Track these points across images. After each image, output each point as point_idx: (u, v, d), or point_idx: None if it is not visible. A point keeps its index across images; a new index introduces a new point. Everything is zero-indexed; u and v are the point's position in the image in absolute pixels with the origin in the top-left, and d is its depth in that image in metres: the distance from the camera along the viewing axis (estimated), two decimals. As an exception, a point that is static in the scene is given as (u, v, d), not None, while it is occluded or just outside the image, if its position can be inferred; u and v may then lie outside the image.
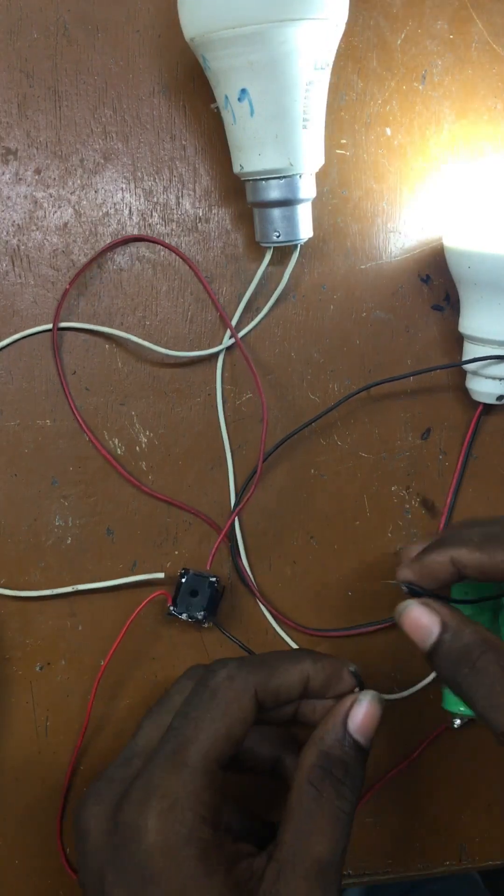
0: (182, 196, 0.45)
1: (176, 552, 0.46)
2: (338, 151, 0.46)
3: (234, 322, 0.46)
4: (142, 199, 0.45)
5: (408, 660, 0.47)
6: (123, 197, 0.45)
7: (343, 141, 0.46)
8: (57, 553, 0.46)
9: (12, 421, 0.45)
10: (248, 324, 0.46)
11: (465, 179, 0.46)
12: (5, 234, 0.44)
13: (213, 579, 0.44)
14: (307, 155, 0.41)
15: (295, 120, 0.40)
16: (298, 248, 0.45)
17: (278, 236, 0.43)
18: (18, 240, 0.45)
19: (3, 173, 0.44)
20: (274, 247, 0.45)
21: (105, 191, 0.45)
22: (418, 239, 0.47)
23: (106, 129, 0.45)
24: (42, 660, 0.46)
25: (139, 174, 0.45)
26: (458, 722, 0.47)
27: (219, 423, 0.46)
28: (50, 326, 0.45)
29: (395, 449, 0.47)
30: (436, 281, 0.47)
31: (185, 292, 0.46)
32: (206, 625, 0.45)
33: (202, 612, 0.44)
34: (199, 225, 0.46)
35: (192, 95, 0.45)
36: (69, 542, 0.46)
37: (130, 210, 0.45)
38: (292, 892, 0.32)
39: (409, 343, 0.47)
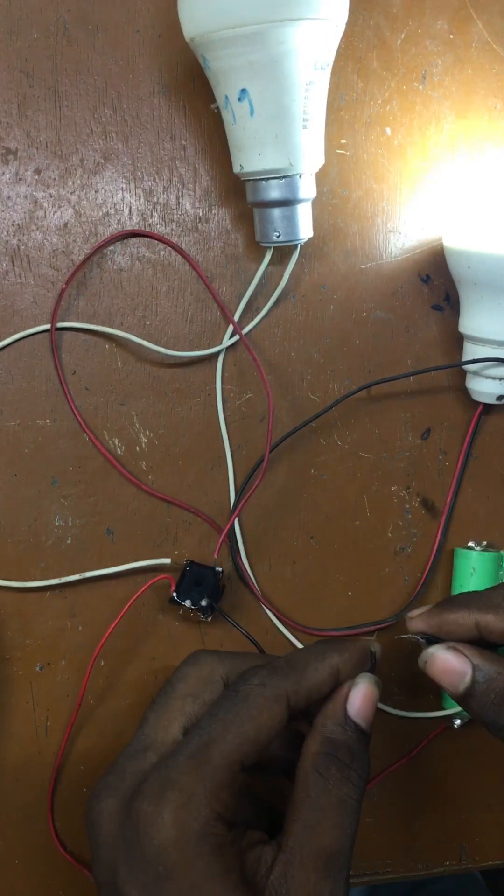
0: (182, 196, 0.45)
1: (176, 552, 0.46)
2: (338, 151, 0.46)
3: (235, 320, 0.46)
4: (142, 199, 0.45)
5: (408, 660, 0.47)
6: (123, 197, 0.45)
7: (343, 141, 0.46)
8: (57, 553, 0.46)
9: (12, 421, 0.45)
10: (248, 324, 0.46)
11: (465, 179, 0.46)
12: (5, 234, 0.44)
13: (219, 569, 0.44)
14: (307, 155, 0.41)
15: (295, 120, 0.40)
16: (298, 248, 0.45)
17: (278, 236, 0.43)
18: (18, 240, 0.45)
19: (3, 173, 0.44)
20: (274, 247, 0.45)
21: (105, 191, 0.45)
22: (418, 239, 0.47)
23: (106, 129, 0.45)
24: (42, 660, 0.46)
25: (139, 174, 0.45)
26: (458, 722, 0.47)
27: (219, 423, 0.46)
28: (47, 326, 0.45)
29: (395, 449, 0.47)
30: (436, 281, 0.47)
31: (185, 292, 0.46)
32: (208, 617, 0.45)
33: (205, 600, 0.44)
34: (199, 225, 0.46)
35: (192, 95, 0.45)
36: (69, 542, 0.46)
37: (130, 210, 0.45)
38: (301, 883, 0.32)
39: (409, 343, 0.47)
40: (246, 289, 0.46)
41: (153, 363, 0.46)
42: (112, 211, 0.45)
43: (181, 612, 0.45)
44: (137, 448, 0.46)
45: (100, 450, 0.45)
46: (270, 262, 0.45)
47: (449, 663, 0.35)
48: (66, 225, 0.45)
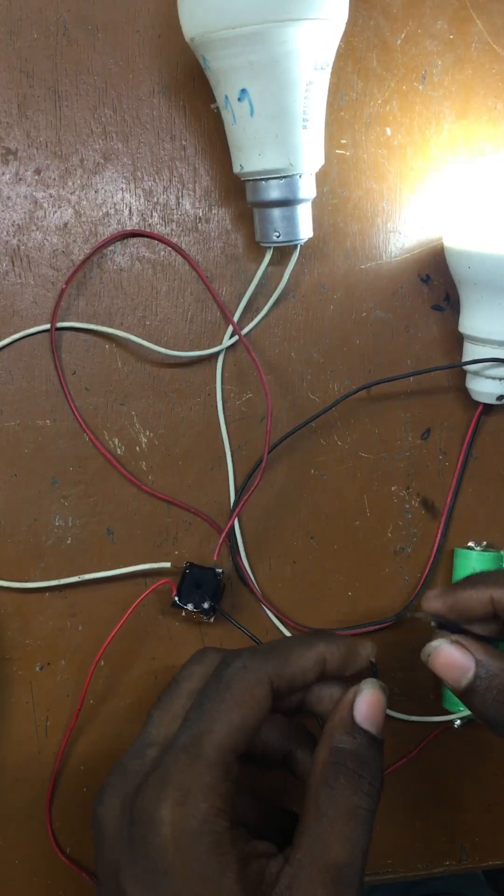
0: (182, 196, 0.45)
1: (176, 552, 0.46)
2: (338, 151, 0.46)
3: (235, 320, 0.46)
4: (142, 200, 0.45)
5: (408, 660, 0.47)
6: (123, 197, 0.45)
7: (343, 141, 0.46)
8: (57, 553, 0.46)
9: (12, 421, 0.45)
10: (248, 324, 0.46)
11: (465, 179, 0.46)
12: (5, 234, 0.44)
13: (219, 570, 0.44)
14: (307, 155, 0.41)
15: (295, 120, 0.40)
16: (298, 248, 0.45)
17: (278, 236, 0.43)
18: (18, 240, 0.45)
19: (3, 173, 0.44)
20: (274, 247, 0.45)
21: (105, 191, 0.45)
22: (418, 239, 0.47)
23: (106, 129, 0.45)
24: (42, 660, 0.46)
25: (139, 174, 0.45)
26: (458, 722, 0.47)
27: (219, 423, 0.46)
28: (47, 326, 0.45)
29: (395, 449, 0.47)
30: (436, 281, 0.47)
31: (185, 292, 0.46)
32: (210, 619, 0.45)
33: (207, 602, 0.44)
34: (199, 225, 0.46)
35: (192, 95, 0.45)
36: (69, 542, 0.46)
37: (130, 210, 0.45)
38: None
39: (409, 343, 0.47)
40: (246, 289, 0.46)
41: (153, 363, 0.46)
42: (112, 211, 0.45)
43: (182, 613, 0.45)
44: (137, 448, 0.46)
45: (100, 450, 0.45)
46: (270, 262, 0.45)
47: (452, 658, 0.35)
48: (66, 225, 0.45)
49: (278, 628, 0.47)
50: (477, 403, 0.47)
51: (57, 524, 0.46)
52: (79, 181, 0.45)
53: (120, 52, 0.44)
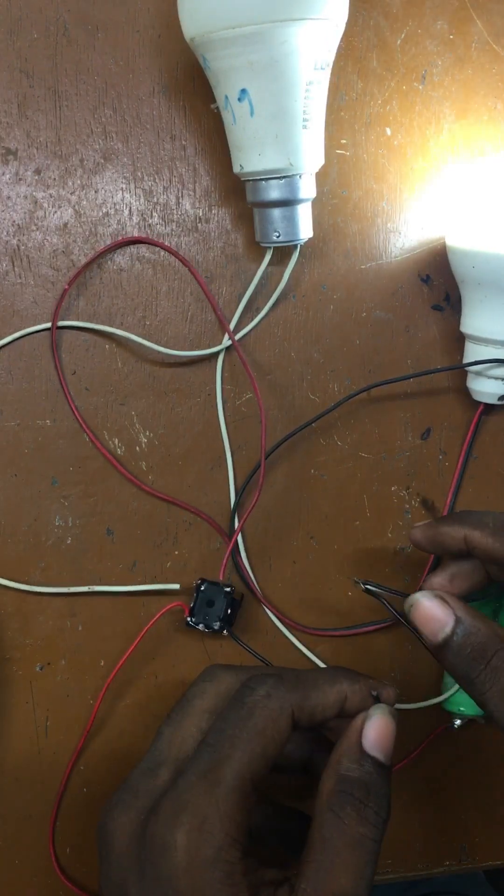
0: (182, 196, 0.45)
1: (176, 552, 0.46)
2: (338, 151, 0.46)
3: (234, 322, 0.46)
4: (142, 199, 0.45)
5: (408, 659, 0.47)
6: (123, 197, 0.45)
7: (343, 141, 0.46)
8: (57, 553, 0.46)
9: (12, 421, 0.45)
10: (247, 324, 0.46)
11: (466, 179, 0.46)
12: (5, 234, 0.44)
13: (229, 589, 0.44)
14: (307, 155, 0.41)
15: (295, 120, 0.40)
16: (298, 248, 0.45)
17: (278, 236, 0.43)
18: (18, 240, 0.45)
19: (3, 173, 0.44)
20: (274, 247, 0.45)
21: (105, 191, 0.45)
22: (418, 239, 0.47)
23: (106, 129, 0.45)
24: (42, 660, 0.46)
25: (139, 174, 0.45)
26: (458, 722, 0.47)
27: (219, 423, 0.46)
28: (48, 325, 0.45)
29: (395, 449, 0.47)
30: (436, 281, 0.47)
31: (185, 292, 0.46)
32: (224, 633, 0.45)
33: (218, 623, 0.44)
34: (199, 225, 0.46)
35: (192, 95, 0.45)
36: (69, 542, 0.46)
37: (130, 210, 0.45)
38: None
39: (409, 343, 0.47)
40: (246, 289, 0.46)
41: (153, 363, 0.46)
42: (112, 211, 0.45)
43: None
44: (137, 448, 0.46)
45: (100, 450, 0.45)
46: (270, 263, 0.45)
47: (432, 611, 0.35)
48: (66, 225, 0.45)
49: (278, 628, 0.47)
50: (477, 403, 0.47)
51: (57, 524, 0.46)
52: (79, 181, 0.45)
53: (120, 52, 0.44)
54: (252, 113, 0.40)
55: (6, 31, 0.43)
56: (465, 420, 0.48)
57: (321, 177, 0.45)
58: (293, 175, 0.41)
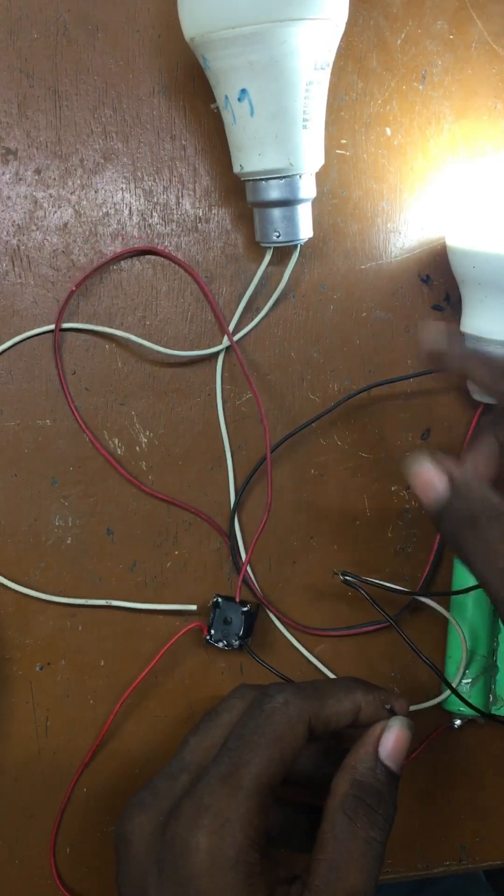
0: (182, 196, 0.45)
1: (176, 552, 0.46)
2: (338, 151, 0.46)
3: (233, 322, 0.46)
4: (142, 200, 0.45)
5: (408, 659, 0.47)
6: (123, 197, 0.45)
7: (343, 141, 0.46)
8: (57, 553, 0.46)
9: (12, 421, 0.45)
10: (247, 324, 0.46)
11: (466, 179, 0.46)
12: (5, 234, 0.44)
13: (245, 608, 0.45)
14: (307, 155, 0.41)
15: (295, 120, 0.40)
16: (298, 248, 0.45)
17: (278, 236, 0.43)
18: (18, 240, 0.45)
19: (3, 173, 0.44)
20: (274, 247, 0.45)
21: (105, 191, 0.45)
22: (418, 239, 0.47)
23: (106, 129, 0.45)
24: (42, 660, 0.46)
25: (139, 174, 0.45)
26: (458, 722, 0.47)
27: (219, 423, 0.46)
28: (51, 328, 0.45)
29: (395, 449, 0.47)
30: (436, 281, 0.47)
31: (185, 292, 0.46)
32: (242, 648, 0.46)
33: (237, 640, 0.45)
34: (199, 225, 0.46)
35: (192, 95, 0.45)
36: (69, 542, 0.46)
37: (130, 210, 0.45)
38: None
39: (409, 343, 0.47)
40: (246, 289, 0.46)
41: (153, 363, 0.46)
42: (112, 211, 0.45)
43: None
44: (137, 448, 0.46)
45: (100, 450, 0.45)
46: (270, 263, 0.45)
47: (429, 475, 0.34)
48: (66, 225, 0.45)
49: (278, 628, 0.47)
50: (477, 403, 0.47)
51: (57, 524, 0.46)
52: (79, 181, 0.45)
53: (120, 52, 0.44)
54: (252, 113, 0.40)
55: (6, 31, 0.43)
56: (464, 420, 0.47)
57: (321, 177, 0.45)
58: (293, 175, 0.41)
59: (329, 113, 0.44)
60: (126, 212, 0.45)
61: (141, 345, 0.45)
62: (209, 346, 0.46)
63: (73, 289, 0.44)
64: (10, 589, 0.45)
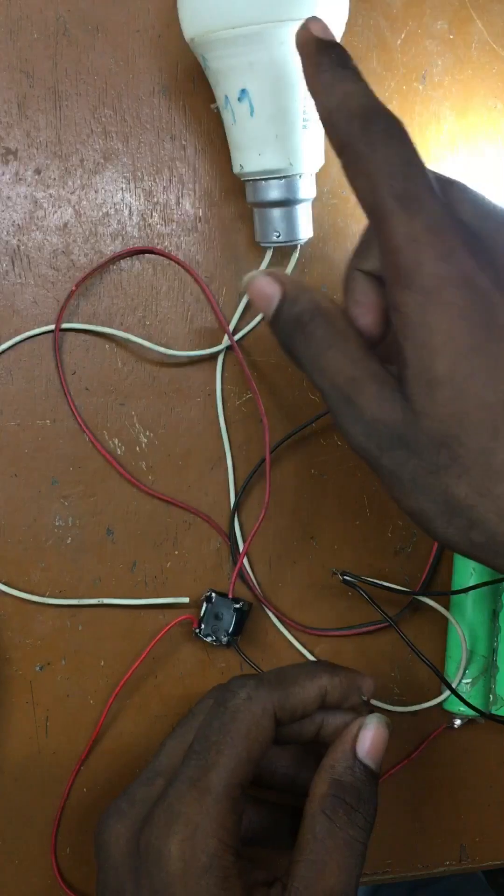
0: (182, 196, 0.45)
1: (176, 552, 0.46)
2: (338, 151, 0.46)
3: (234, 322, 0.46)
4: (142, 200, 0.45)
5: (408, 659, 0.47)
6: (123, 197, 0.45)
7: (343, 141, 0.46)
8: (57, 553, 0.46)
9: (12, 421, 0.45)
10: (248, 324, 0.46)
11: (466, 179, 0.46)
12: (5, 234, 0.44)
13: (238, 605, 0.45)
14: (307, 155, 0.41)
15: (295, 120, 0.40)
16: (298, 249, 0.45)
17: (278, 236, 0.43)
18: (18, 240, 0.45)
19: (3, 173, 0.44)
20: (274, 247, 0.45)
21: (105, 191, 0.45)
22: (418, 239, 0.47)
23: (106, 129, 0.45)
24: (42, 660, 0.46)
25: (139, 174, 0.45)
26: (458, 722, 0.47)
27: (219, 423, 0.46)
28: (51, 328, 0.45)
29: (395, 449, 0.47)
30: (436, 281, 0.47)
31: (185, 292, 0.46)
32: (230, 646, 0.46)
33: (226, 637, 0.45)
34: (199, 225, 0.46)
35: (192, 95, 0.45)
36: (69, 542, 0.46)
37: (130, 210, 0.45)
38: None
39: (409, 343, 0.47)
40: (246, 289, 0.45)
41: (153, 363, 0.46)
42: (112, 211, 0.45)
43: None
44: (137, 448, 0.46)
45: (100, 450, 0.45)
46: (270, 263, 0.45)
47: (263, 288, 0.33)
48: (66, 225, 0.45)
49: (278, 629, 0.47)
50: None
51: (57, 524, 0.46)
52: (79, 181, 0.45)
53: (120, 52, 0.44)
54: (252, 113, 0.40)
55: (6, 31, 0.43)
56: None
57: (321, 177, 0.45)
58: (293, 175, 0.41)
59: (329, 113, 0.44)
60: (126, 212, 0.45)
61: (141, 345, 0.45)
62: (209, 346, 0.46)
63: (73, 289, 0.45)
64: (10, 588, 0.45)
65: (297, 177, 0.41)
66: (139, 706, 0.46)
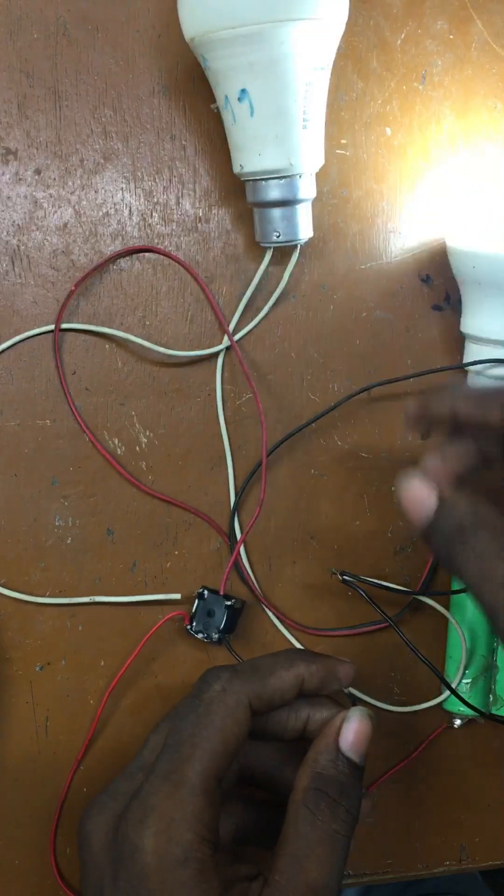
0: (182, 196, 0.45)
1: (176, 552, 0.46)
2: (338, 151, 0.46)
3: (233, 322, 0.46)
4: (142, 200, 0.45)
5: (408, 659, 0.47)
6: (123, 197, 0.45)
7: (343, 141, 0.46)
8: (57, 553, 0.46)
9: (12, 421, 0.45)
10: (247, 324, 0.46)
11: (466, 179, 0.46)
12: (5, 234, 0.44)
13: (229, 602, 0.45)
14: (307, 155, 0.41)
15: (295, 120, 0.40)
16: (298, 248, 0.45)
17: (278, 236, 0.43)
18: (18, 240, 0.45)
19: (3, 173, 0.44)
20: (274, 247, 0.45)
21: (105, 191, 0.45)
22: (418, 239, 0.47)
23: (106, 129, 0.45)
24: (42, 660, 0.46)
25: (139, 174, 0.45)
26: (458, 722, 0.47)
27: (219, 423, 0.46)
28: (51, 328, 0.45)
29: (395, 449, 0.47)
30: (436, 281, 0.47)
31: (185, 292, 0.46)
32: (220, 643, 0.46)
33: (217, 634, 0.44)
34: (199, 225, 0.46)
35: (192, 95, 0.45)
36: (69, 542, 0.46)
37: (130, 210, 0.45)
38: None
39: (409, 343, 0.47)
40: (246, 289, 0.46)
41: (153, 363, 0.46)
42: (112, 211, 0.45)
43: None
44: (137, 448, 0.46)
45: (100, 450, 0.45)
46: (270, 263, 0.45)
47: (418, 492, 0.34)
48: (66, 225, 0.45)
49: (278, 629, 0.47)
50: (477, 403, 0.47)
51: (57, 524, 0.46)
52: (79, 181, 0.45)
53: (120, 52, 0.44)
54: (252, 113, 0.40)
55: (6, 31, 0.43)
56: (465, 420, 0.47)
57: (321, 177, 0.45)
58: (293, 175, 0.41)
59: (329, 113, 0.44)
60: (126, 212, 0.45)
61: (141, 345, 0.45)
62: (209, 346, 0.46)
63: (73, 289, 0.45)
64: (10, 588, 0.45)
65: (297, 177, 0.41)
66: (138, 705, 0.46)
